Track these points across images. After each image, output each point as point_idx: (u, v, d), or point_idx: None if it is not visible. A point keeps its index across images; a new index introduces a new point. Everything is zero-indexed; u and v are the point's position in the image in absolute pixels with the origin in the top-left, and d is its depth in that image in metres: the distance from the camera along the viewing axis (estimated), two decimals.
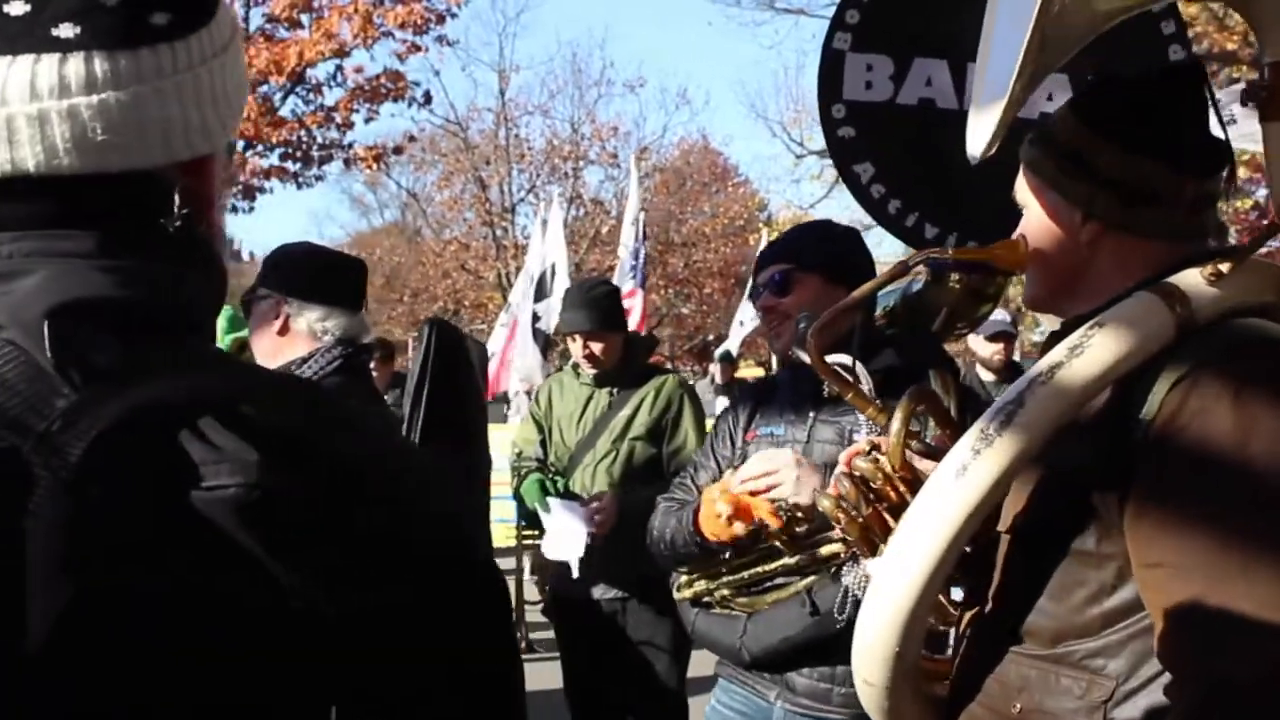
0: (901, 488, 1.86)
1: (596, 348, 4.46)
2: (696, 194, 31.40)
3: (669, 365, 19.86)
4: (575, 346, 4.52)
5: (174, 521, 0.82)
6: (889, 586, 1.60)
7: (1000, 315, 6.20)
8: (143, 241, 0.93)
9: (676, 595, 2.85)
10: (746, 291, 11.50)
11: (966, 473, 1.52)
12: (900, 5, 2.98)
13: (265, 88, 20.28)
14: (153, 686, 0.82)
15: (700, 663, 3.10)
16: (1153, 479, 1.47)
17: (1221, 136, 1.68)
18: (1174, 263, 1.61)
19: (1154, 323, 1.52)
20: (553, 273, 11.03)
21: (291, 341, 2.99)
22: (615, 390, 4.52)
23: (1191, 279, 1.56)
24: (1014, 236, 1.74)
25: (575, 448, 4.51)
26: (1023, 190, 1.73)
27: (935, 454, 1.85)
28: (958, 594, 1.83)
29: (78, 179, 0.92)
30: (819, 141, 27.96)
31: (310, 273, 3.04)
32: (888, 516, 1.87)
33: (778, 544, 2.52)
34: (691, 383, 5.54)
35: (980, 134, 1.62)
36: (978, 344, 6.54)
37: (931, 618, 1.78)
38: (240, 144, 20.09)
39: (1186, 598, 1.40)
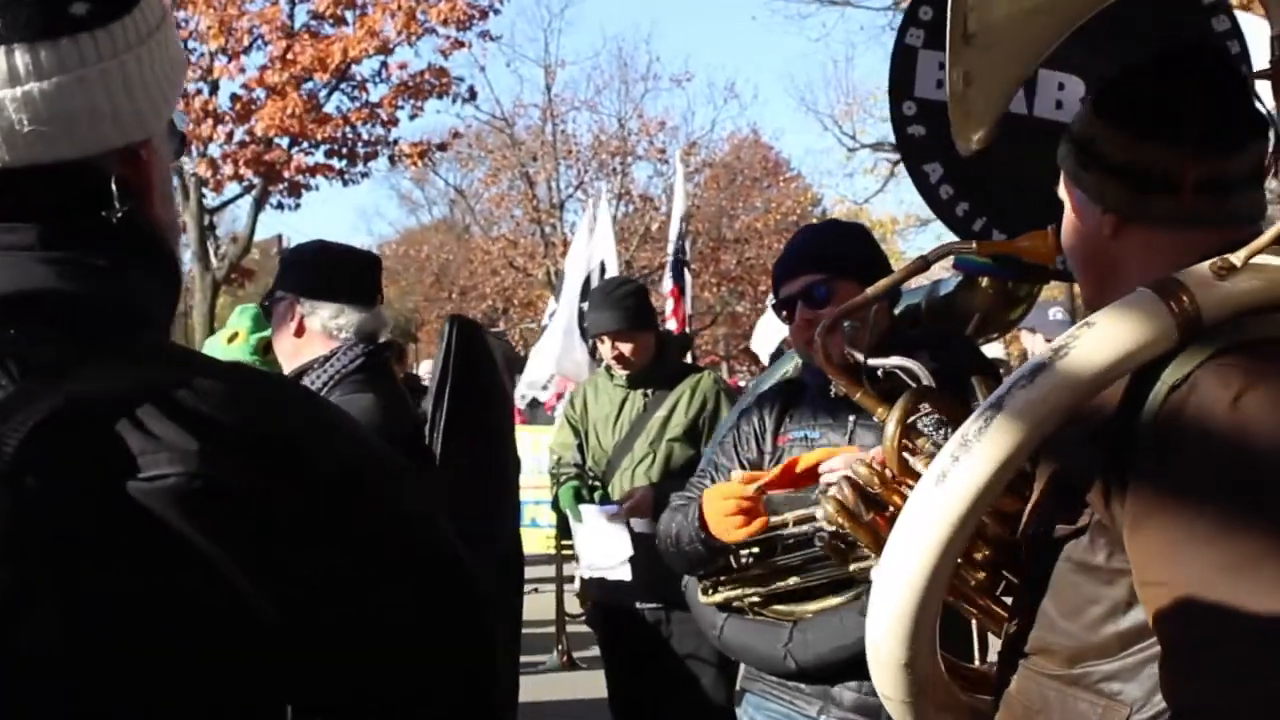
0: (906, 492, 1.84)
1: (625, 348, 4.41)
2: (748, 189, 31.16)
3: (723, 365, 19.57)
4: (604, 348, 4.49)
5: (113, 513, 0.81)
6: (886, 598, 1.57)
7: (1061, 315, 5.95)
8: (85, 234, 0.93)
9: (702, 599, 2.76)
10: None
11: (946, 480, 1.48)
12: None
13: (310, 85, 20.54)
14: (93, 679, 0.81)
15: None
16: (1149, 491, 1.40)
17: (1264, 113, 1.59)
18: (1204, 254, 1.50)
19: (1150, 322, 1.44)
20: (601, 271, 10.73)
21: (309, 342, 2.98)
22: (650, 391, 4.46)
23: (1198, 273, 1.47)
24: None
25: (612, 451, 4.47)
26: (1061, 188, 1.70)
27: None
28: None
29: (11, 172, 0.93)
30: (872, 134, 27.84)
31: (321, 271, 3.03)
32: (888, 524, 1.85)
33: (830, 553, 2.43)
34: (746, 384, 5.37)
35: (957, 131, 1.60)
36: (1037, 344, 6.23)
37: (986, 624, 1.81)
38: (286, 141, 20.29)
39: (1180, 625, 1.35)
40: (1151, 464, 1.41)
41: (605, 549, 4.25)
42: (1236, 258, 1.46)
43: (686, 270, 11.21)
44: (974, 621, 1.92)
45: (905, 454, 1.88)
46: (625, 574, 4.21)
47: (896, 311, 2.86)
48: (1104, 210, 1.61)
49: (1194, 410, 1.38)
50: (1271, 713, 1.27)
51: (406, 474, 0.99)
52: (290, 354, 3.01)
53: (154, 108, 0.99)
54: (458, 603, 0.95)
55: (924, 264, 1.87)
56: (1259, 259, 1.48)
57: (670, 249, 11.34)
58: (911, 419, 1.89)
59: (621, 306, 4.42)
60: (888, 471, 1.91)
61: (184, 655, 0.84)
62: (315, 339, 2.97)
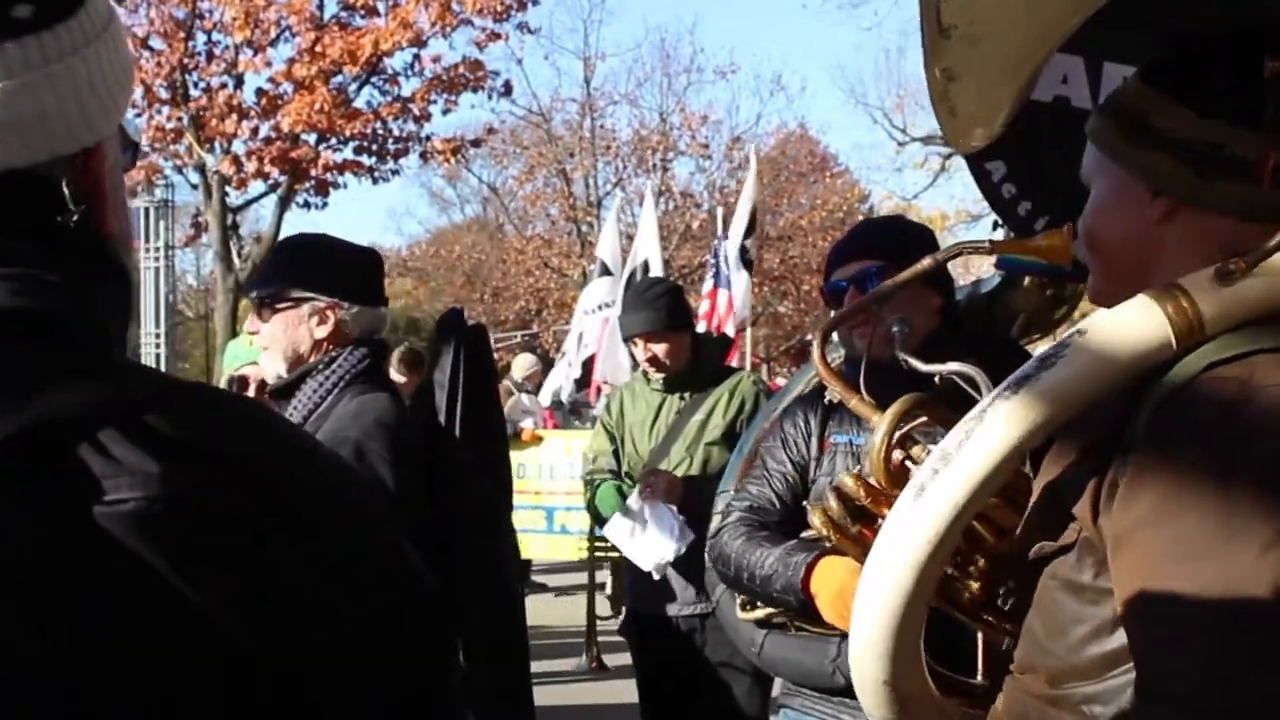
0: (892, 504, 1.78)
1: (659, 350, 4.39)
2: (794, 185, 31.12)
3: (766, 366, 19.15)
4: (638, 350, 4.47)
5: (76, 538, 0.82)
6: (864, 616, 1.58)
7: None
8: (35, 247, 0.93)
9: (741, 615, 2.76)
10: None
11: (925, 494, 1.49)
12: None
13: (339, 78, 20.44)
14: (56, 707, 0.81)
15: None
16: (1128, 512, 1.36)
17: None
18: (1251, 244, 1.42)
19: (1144, 330, 1.40)
20: (644, 270, 10.92)
21: (325, 346, 2.89)
22: (687, 395, 4.44)
23: (1200, 276, 1.41)
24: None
25: (649, 456, 4.45)
26: (1088, 168, 1.60)
27: None
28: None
29: None
30: (922, 128, 27.29)
31: (358, 270, 3.00)
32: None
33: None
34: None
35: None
36: None
37: (992, 637, 1.84)
38: (313, 137, 20.24)
39: (1141, 651, 1.34)
40: (1137, 478, 1.36)
41: (648, 549, 4.26)
42: (1241, 262, 1.41)
43: (747, 269, 11.41)
44: (979, 634, 1.91)
45: (907, 463, 1.90)
46: (667, 563, 4.24)
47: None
48: (1154, 192, 1.51)
49: (1185, 424, 1.35)
50: None
51: (370, 493, 1.00)
52: (294, 359, 2.89)
53: (104, 111, 0.99)
54: (420, 616, 0.96)
55: (935, 264, 1.89)
56: (1264, 264, 1.42)
57: (733, 246, 11.38)
58: (908, 428, 1.89)
59: (654, 307, 4.39)
60: (874, 482, 1.92)
61: (148, 679, 0.83)
62: (337, 343, 2.88)
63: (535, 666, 7.37)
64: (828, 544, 2.07)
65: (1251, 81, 1.44)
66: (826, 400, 2.79)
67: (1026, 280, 3.12)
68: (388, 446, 2.61)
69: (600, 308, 11.40)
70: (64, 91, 0.94)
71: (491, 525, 2.96)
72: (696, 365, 4.46)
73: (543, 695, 6.76)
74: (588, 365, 11.49)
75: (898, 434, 1.91)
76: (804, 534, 2.58)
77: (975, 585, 1.79)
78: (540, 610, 9.73)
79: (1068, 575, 1.50)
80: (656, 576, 4.25)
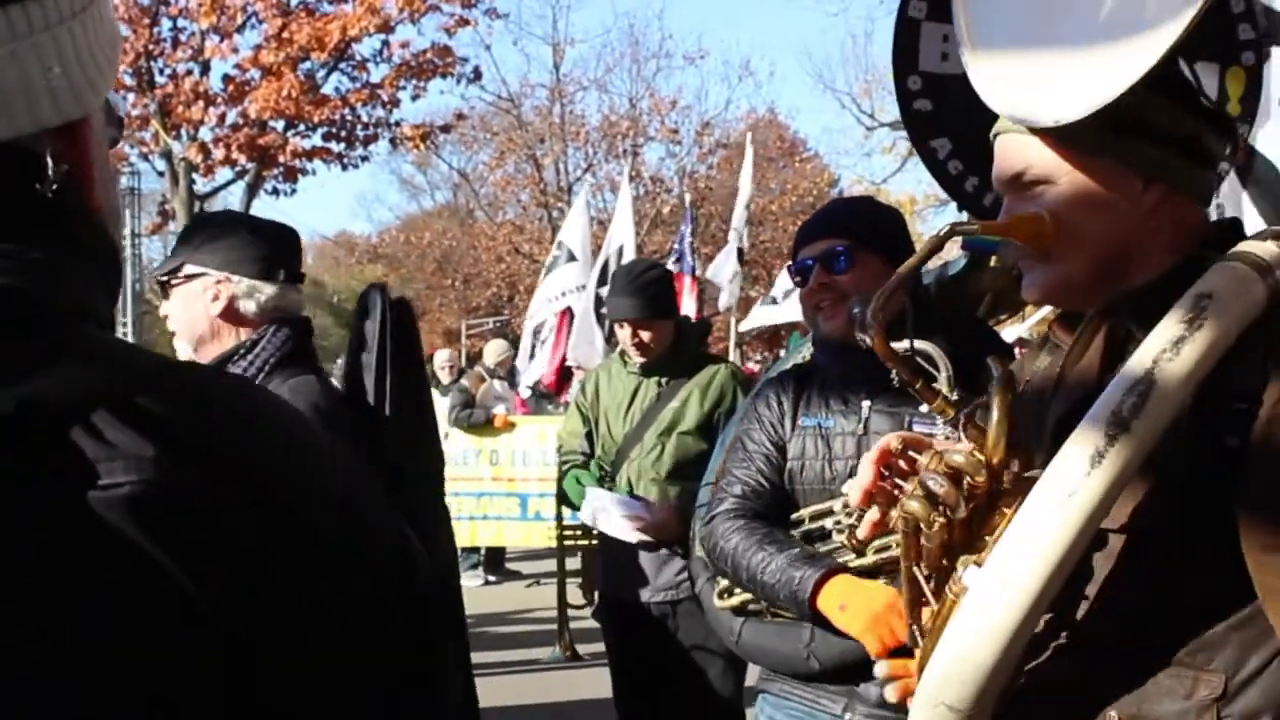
0: (989, 485, 1.72)
1: (645, 335, 4.34)
2: (763, 170, 30.94)
3: (739, 351, 19.20)
4: (624, 334, 4.41)
5: (70, 523, 0.79)
6: (991, 611, 1.53)
7: None
8: (19, 222, 0.90)
9: (717, 603, 2.77)
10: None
11: (1076, 497, 1.46)
12: None
13: (307, 65, 20.32)
14: (46, 695, 0.78)
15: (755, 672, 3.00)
16: (1264, 477, 1.42)
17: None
18: (1211, 232, 1.62)
19: (1251, 298, 1.48)
20: (619, 256, 10.78)
21: (234, 326, 2.84)
22: (664, 380, 4.40)
23: (1267, 248, 1.52)
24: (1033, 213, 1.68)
25: (622, 440, 4.41)
26: (1045, 165, 1.64)
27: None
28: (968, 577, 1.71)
29: None
30: (891, 113, 27.39)
31: (253, 245, 2.90)
32: (971, 523, 1.77)
33: (845, 544, 2.49)
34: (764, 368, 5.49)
35: (1081, 89, 1.58)
36: None
37: None
38: (281, 124, 20.12)
39: None
40: (1266, 447, 1.43)
41: (612, 525, 4.27)
42: None
43: (739, 260, 11.43)
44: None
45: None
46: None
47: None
48: (1150, 183, 1.59)
49: None
50: None
51: (372, 480, 0.98)
52: (205, 338, 2.85)
53: (90, 84, 0.96)
54: (413, 612, 0.93)
55: (939, 242, 1.83)
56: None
57: (734, 237, 11.43)
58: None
59: (643, 294, 4.35)
60: (990, 462, 1.81)
61: (139, 668, 0.80)
62: (244, 323, 2.83)
63: (508, 655, 7.37)
64: (919, 530, 2.00)
65: (1202, 87, 1.59)
66: (798, 381, 2.81)
67: (993, 261, 3.11)
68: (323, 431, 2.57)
69: (564, 294, 11.35)
70: (50, 62, 0.93)
71: (426, 510, 2.84)
72: (676, 351, 4.43)
73: (516, 685, 6.79)
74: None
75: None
76: (794, 525, 2.61)
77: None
78: (513, 598, 9.73)
79: (1173, 542, 1.54)
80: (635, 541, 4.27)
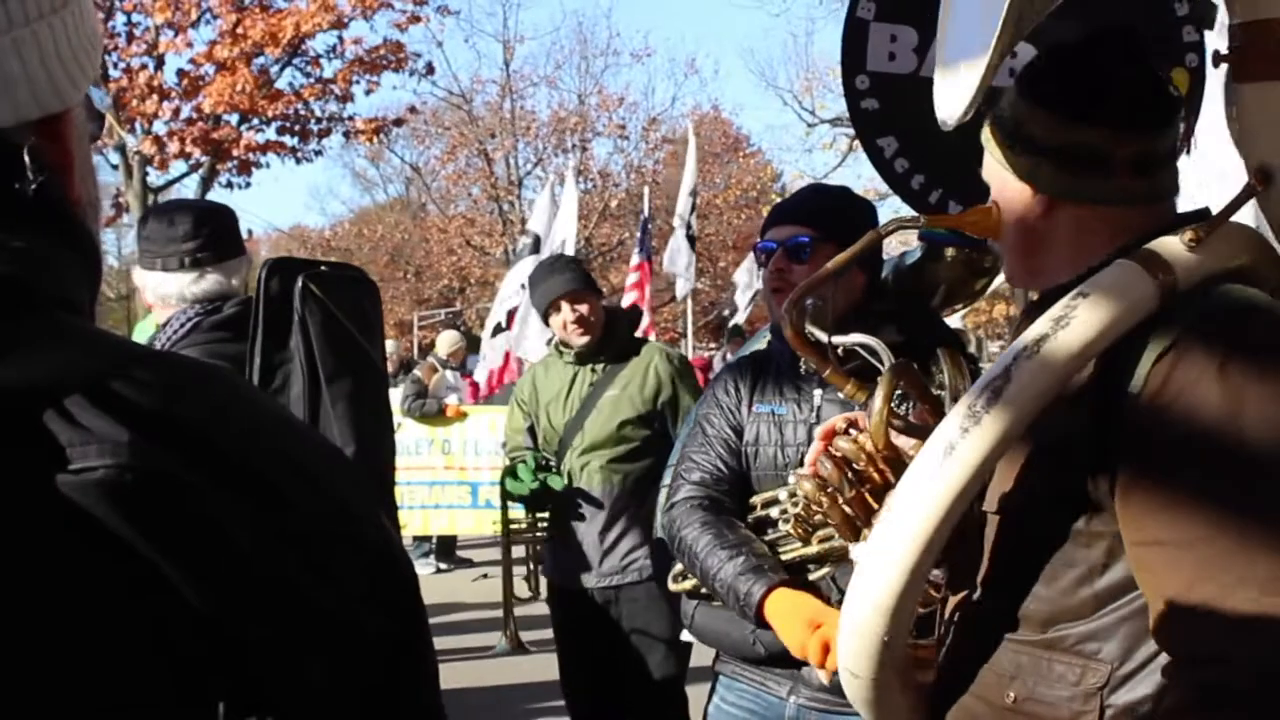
0: (884, 468, 1.87)
1: (584, 309, 4.34)
2: (708, 165, 30.80)
3: (683, 342, 19.47)
4: (563, 316, 4.37)
5: (41, 509, 0.78)
6: (876, 573, 1.58)
7: None
8: (2, 213, 0.88)
9: (672, 586, 2.78)
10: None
11: (954, 452, 1.51)
12: None
13: (261, 60, 20.16)
14: (15, 676, 0.78)
15: (704, 653, 3.02)
16: (1143, 454, 1.47)
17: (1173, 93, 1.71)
18: (1146, 228, 1.62)
19: (1137, 291, 1.53)
20: (562, 250, 10.85)
21: (167, 307, 2.92)
22: (600, 368, 4.41)
23: (1171, 245, 1.56)
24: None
25: (563, 430, 4.42)
26: (988, 168, 1.75)
27: (916, 431, 1.84)
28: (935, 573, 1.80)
29: None
30: (831, 110, 27.75)
31: (156, 237, 2.94)
32: (870, 499, 1.89)
33: (791, 533, 2.44)
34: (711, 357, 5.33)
35: (954, 99, 1.66)
36: None
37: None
38: (235, 117, 19.93)
39: (1182, 579, 1.41)
40: (1144, 429, 1.47)
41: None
42: (1205, 230, 1.55)
43: (690, 246, 11.31)
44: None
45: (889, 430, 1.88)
46: None
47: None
48: (1035, 191, 1.65)
49: (1183, 376, 1.45)
50: (1276, 660, 1.33)
51: (347, 464, 0.97)
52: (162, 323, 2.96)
53: (71, 78, 0.96)
54: (395, 593, 0.93)
55: (878, 237, 1.91)
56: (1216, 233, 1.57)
57: (680, 225, 11.57)
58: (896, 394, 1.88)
59: (570, 269, 4.44)
60: (870, 445, 1.90)
61: (112, 652, 0.81)
62: (170, 308, 2.93)
63: (457, 642, 7.57)
64: (807, 512, 2.07)
65: (1101, 84, 1.63)
66: (755, 367, 2.82)
67: (950, 252, 3.09)
68: None
69: (523, 286, 11.37)
70: (30, 56, 0.92)
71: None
72: (608, 338, 4.41)
73: (465, 671, 6.91)
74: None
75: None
76: (755, 510, 2.62)
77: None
78: (465, 586, 9.66)
79: (1060, 522, 1.58)
80: None
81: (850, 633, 1.65)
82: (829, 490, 1.94)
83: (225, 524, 0.83)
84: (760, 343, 3.34)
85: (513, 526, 7.42)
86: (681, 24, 63.04)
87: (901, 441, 1.88)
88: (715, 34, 58.93)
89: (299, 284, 2.65)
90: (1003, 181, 1.71)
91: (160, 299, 2.94)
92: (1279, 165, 1.59)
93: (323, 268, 2.77)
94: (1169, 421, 1.45)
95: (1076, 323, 1.51)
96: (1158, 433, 1.46)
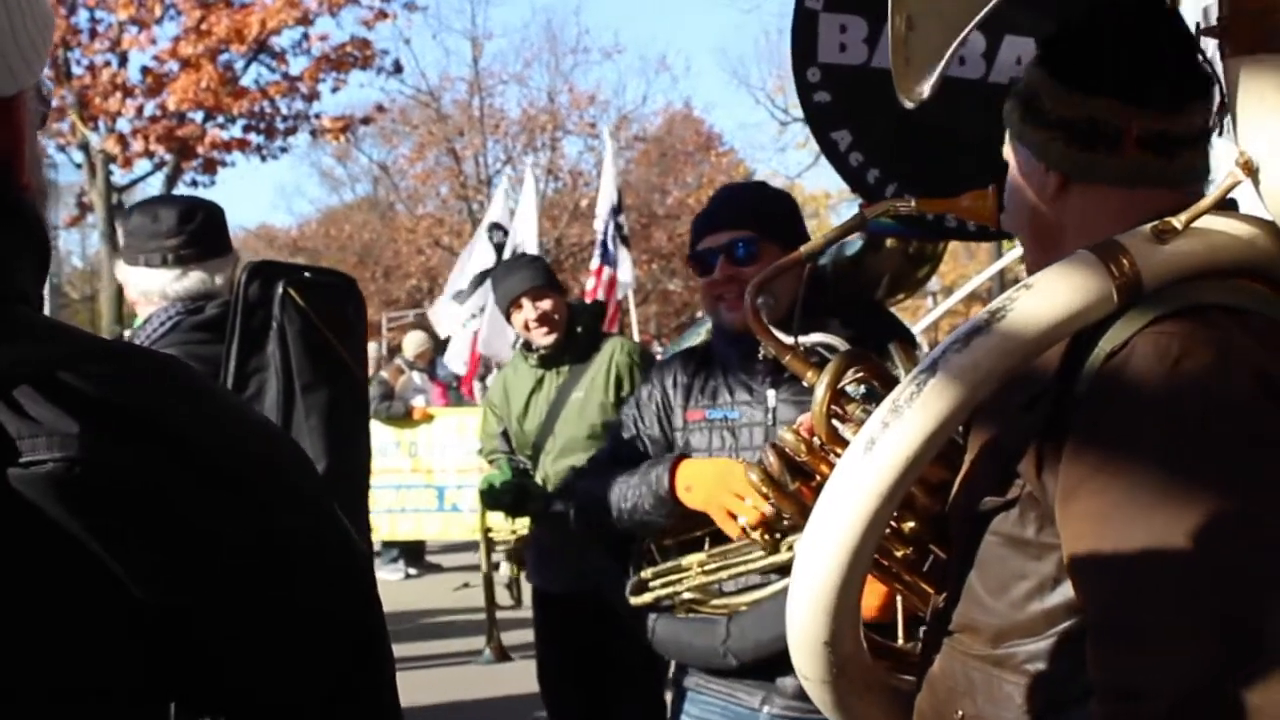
0: (834, 461, 1.78)
1: (546, 305, 4.28)
2: (680, 164, 31.07)
3: (655, 343, 19.44)
4: (524, 314, 4.31)
5: None
6: (807, 573, 1.55)
7: None
8: None
9: (633, 601, 2.70)
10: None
11: (875, 447, 1.46)
12: None
13: (226, 56, 20.02)
14: None
15: None
16: (1079, 463, 1.39)
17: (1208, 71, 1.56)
18: (1163, 214, 1.48)
19: (1089, 285, 1.42)
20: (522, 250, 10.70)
21: (150, 304, 2.89)
22: (565, 368, 4.37)
23: (1139, 235, 1.46)
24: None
25: (535, 435, 4.39)
26: (1006, 148, 1.68)
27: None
28: None
29: None
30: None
31: (138, 235, 2.90)
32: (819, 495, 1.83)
33: (758, 541, 2.38)
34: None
35: (914, 83, 1.57)
36: None
37: (911, 601, 1.80)
38: (200, 115, 19.82)
39: (1104, 596, 1.35)
40: (1085, 431, 1.40)
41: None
42: (1178, 220, 1.44)
43: (624, 245, 10.97)
44: (899, 598, 1.89)
45: (835, 421, 1.83)
46: None
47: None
48: (1048, 168, 1.58)
49: (1130, 377, 1.37)
50: (1202, 693, 1.25)
51: (299, 457, 0.96)
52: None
53: (25, 59, 0.94)
54: (351, 587, 0.92)
55: (863, 220, 1.86)
56: (1201, 222, 1.46)
57: (600, 225, 11.09)
58: (842, 384, 1.83)
59: (532, 267, 4.40)
60: (815, 439, 1.86)
61: (61, 648, 0.80)
62: (152, 305, 2.90)
63: (433, 648, 7.43)
64: (767, 498, 2.02)
65: (1115, 57, 1.54)
66: (694, 367, 2.76)
67: (889, 242, 3.09)
68: None
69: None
70: None
71: (351, 504, 2.61)
72: (571, 335, 4.37)
73: (441, 679, 6.75)
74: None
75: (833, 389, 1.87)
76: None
77: (907, 549, 1.76)
78: (436, 593, 9.59)
79: (1010, 530, 1.52)
80: None
81: (793, 637, 1.62)
82: (773, 483, 1.92)
83: (176, 515, 0.82)
84: (694, 339, 3.28)
85: (491, 535, 7.41)
86: (652, 20, 62.85)
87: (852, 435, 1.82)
88: (687, 31, 58.89)
89: (279, 290, 2.59)
90: (1018, 158, 1.64)
91: (142, 295, 2.89)
92: (1266, 147, 1.45)
93: (306, 274, 2.74)
94: (1108, 429, 1.38)
95: (1013, 315, 1.43)
96: (1096, 440, 1.39)
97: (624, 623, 3.97)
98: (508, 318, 4.52)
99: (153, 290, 2.86)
